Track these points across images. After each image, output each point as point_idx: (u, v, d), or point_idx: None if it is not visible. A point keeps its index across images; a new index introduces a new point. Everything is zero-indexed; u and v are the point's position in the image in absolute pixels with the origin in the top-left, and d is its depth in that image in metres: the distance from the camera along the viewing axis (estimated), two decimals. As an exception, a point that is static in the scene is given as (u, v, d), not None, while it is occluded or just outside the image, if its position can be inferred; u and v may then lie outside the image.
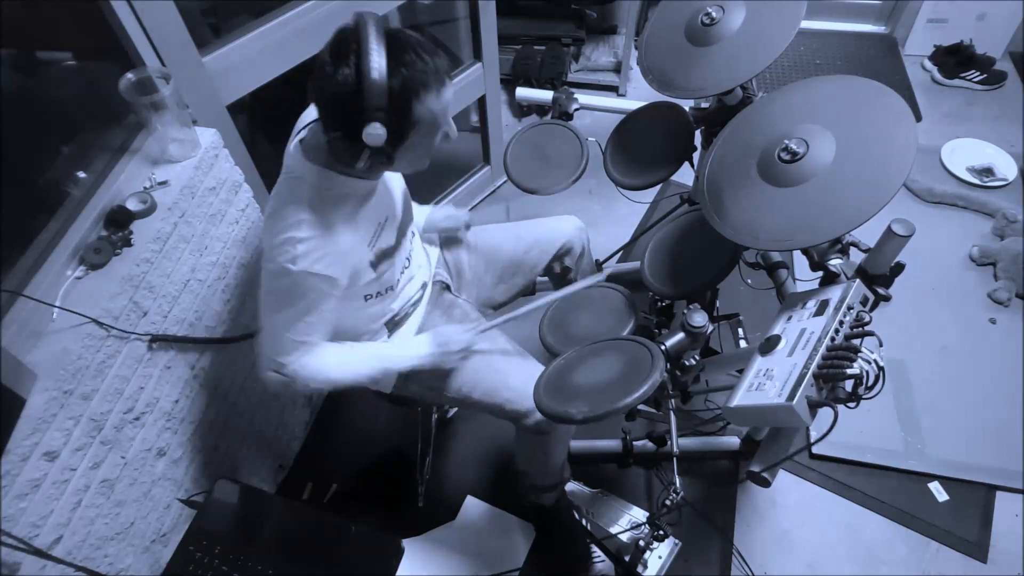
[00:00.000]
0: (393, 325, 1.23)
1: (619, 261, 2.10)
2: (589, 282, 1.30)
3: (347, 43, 0.83)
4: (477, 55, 2.00)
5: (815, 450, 1.66)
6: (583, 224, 1.49)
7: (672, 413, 1.48)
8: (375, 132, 0.84)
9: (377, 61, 0.81)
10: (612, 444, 1.62)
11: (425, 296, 1.30)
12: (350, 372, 1.10)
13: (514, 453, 1.44)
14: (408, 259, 1.20)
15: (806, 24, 2.55)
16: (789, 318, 1.01)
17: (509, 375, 1.23)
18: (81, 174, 1.13)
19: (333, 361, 1.06)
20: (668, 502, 1.30)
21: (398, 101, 0.85)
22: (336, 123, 0.88)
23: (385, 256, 1.10)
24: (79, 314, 0.98)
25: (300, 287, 0.96)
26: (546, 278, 1.55)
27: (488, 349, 1.26)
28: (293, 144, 1.01)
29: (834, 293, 0.98)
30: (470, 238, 1.44)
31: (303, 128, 1.03)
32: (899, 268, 0.99)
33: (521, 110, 2.72)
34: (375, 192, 1.06)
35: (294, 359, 1.01)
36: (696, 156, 1.48)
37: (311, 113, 1.06)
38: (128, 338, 1.06)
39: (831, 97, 1.05)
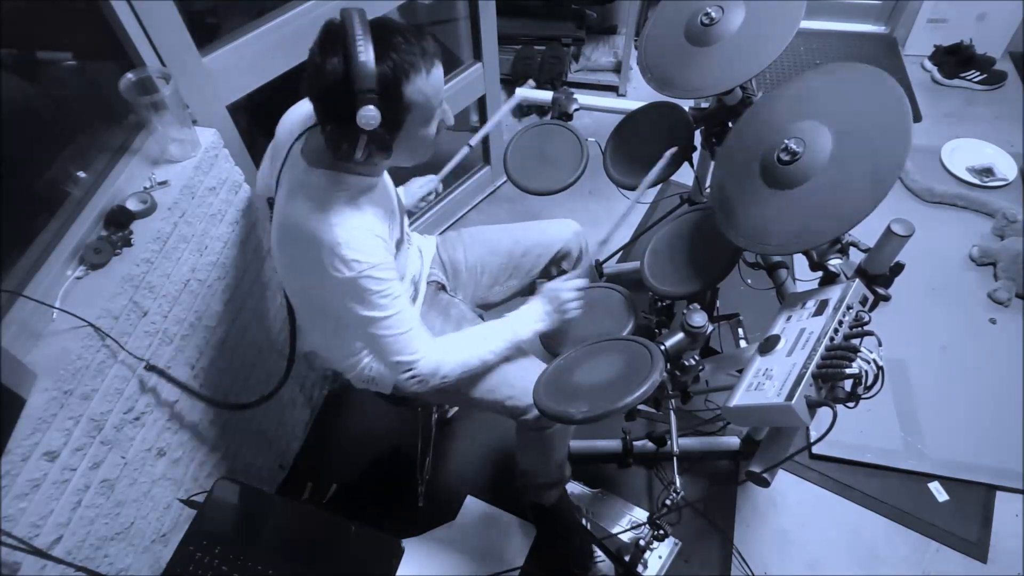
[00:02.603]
0: None
1: (619, 261, 2.10)
2: None
3: (334, 35, 0.84)
4: (477, 55, 2.00)
5: (815, 450, 1.66)
6: (581, 228, 1.49)
7: (672, 413, 1.48)
8: (368, 114, 0.85)
9: (363, 46, 0.82)
10: (612, 444, 1.62)
11: (420, 295, 1.30)
12: (482, 350, 1.12)
13: (514, 452, 1.44)
14: (407, 252, 1.22)
15: (806, 24, 2.56)
16: (788, 318, 1.02)
17: (509, 372, 1.23)
18: (81, 174, 1.13)
19: (460, 345, 1.09)
20: (668, 502, 1.30)
21: (388, 84, 0.86)
22: (331, 114, 0.89)
23: (399, 246, 1.12)
24: (79, 317, 0.98)
25: (372, 289, 0.96)
26: (544, 280, 1.55)
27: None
28: (290, 161, 1.02)
29: (833, 293, 0.98)
30: (467, 238, 1.44)
31: (296, 138, 1.03)
32: (899, 268, 0.99)
33: (521, 110, 2.72)
34: (380, 188, 1.07)
35: (420, 352, 1.03)
36: (696, 156, 1.48)
37: (293, 124, 1.07)
38: (120, 355, 1.06)
39: (822, 89, 1.05)
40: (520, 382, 1.19)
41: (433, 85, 0.91)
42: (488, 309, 1.48)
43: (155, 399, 1.17)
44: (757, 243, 1.01)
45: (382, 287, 0.97)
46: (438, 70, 0.92)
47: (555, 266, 1.47)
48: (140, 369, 1.11)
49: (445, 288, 1.39)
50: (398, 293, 1.00)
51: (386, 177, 1.15)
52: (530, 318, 1.16)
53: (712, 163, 1.17)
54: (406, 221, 1.26)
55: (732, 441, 1.65)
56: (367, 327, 1.01)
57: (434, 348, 1.06)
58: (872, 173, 0.91)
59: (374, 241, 0.97)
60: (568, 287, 1.18)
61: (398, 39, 0.86)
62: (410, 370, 1.04)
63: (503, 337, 1.15)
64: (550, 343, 1.33)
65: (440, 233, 1.48)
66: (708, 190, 1.52)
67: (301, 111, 1.10)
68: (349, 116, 0.85)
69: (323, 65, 0.84)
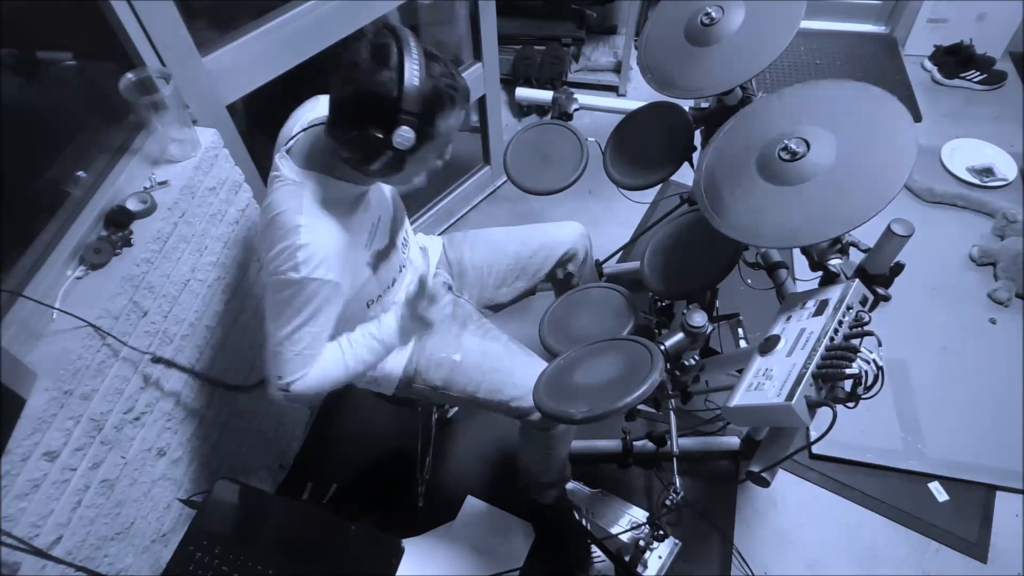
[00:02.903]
0: None
1: (619, 261, 2.10)
2: None
3: (388, 47, 0.85)
4: (477, 55, 2.00)
5: (815, 450, 1.66)
6: (586, 230, 1.50)
7: (672, 413, 1.48)
8: (406, 135, 0.87)
9: (419, 69, 0.85)
10: (612, 444, 1.62)
11: None
12: (352, 362, 1.07)
13: (516, 451, 1.45)
14: (404, 256, 1.21)
15: (806, 24, 2.56)
16: (788, 318, 1.02)
17: (513, 372, 1.23)
18: (81, 174, 1.13)
19: (330, 360, 1.05)
20: (668, 502, 1.30)
21: (428, 110, 0.88)
22: (361, 122, 0.89)
23: (381, 257, 1.11)
24: (78, 317, 0.98)
25: (304, 294, 0.95)
26: (548, 283, 1.55)
27: (492, 348, 1.27)
28: (281, 153, 1.01)
29: (833, 293, 0.98)
30: (473, 239, 1.44)
31: (291, 139, 1.03)
32: (899, 268, 0.99)
33: (521, 110, 2.72)
34: (369, 195, 1.07)
35: (299, 377, 1.00)
36: (696, 156, 1.48)
37: (299, 121, 1.06)
38: (123, 351, 1.06)
39: (833, 101, 1.06)
40: (524, 383, 1.19)
41: (458, 123, 0.95)
42: (496, 310, 1.48)
43: (155, 399, 1.17)
44: (748, 235, 1.00)
45: (306, 303, 0.95)
46: (463, 110, 0.95)
47: (561, 268, 1.47)
48: (142, 366, 1.11)
49: (451, 288, 1.39)
50: (315, 315, 0.98)
51: (381, 184, 1.14)
52: (390, 321, 1.10)
53: (705, 150, 1.17)
54: (406, 227, 1.24)
55: (732, 441, 1.65)
56: (270, 329, 0.99)
57: (313, 370, 1.02)
58: (871, 186, 0.91)
59: (334, 259, 0.96)
60: (430, 307, 1.10)
61: (444, 69, 0.89)
62: (286, 391, 1.01)
63: (370, 346, 1.08)
64: (550, 343, 1.33)
65: (444, 233, 1.48)
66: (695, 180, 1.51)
67: (303, 111, 1.10)
68: (384, 130, 0.87)
69: (374, 74, 0.85)
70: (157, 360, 1.12)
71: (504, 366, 1.24)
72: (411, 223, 2.12)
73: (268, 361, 1.01)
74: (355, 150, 0.92)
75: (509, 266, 1.43)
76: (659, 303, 1.53)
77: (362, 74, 0.86)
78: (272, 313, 0.99)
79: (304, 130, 1.03)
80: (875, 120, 0.98)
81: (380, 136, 0.87)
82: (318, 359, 1.03)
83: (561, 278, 1.49)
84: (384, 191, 1.16)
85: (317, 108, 1.09)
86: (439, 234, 1.48)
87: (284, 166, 0.99)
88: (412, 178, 1.03)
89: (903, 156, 0.92)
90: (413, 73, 0.84)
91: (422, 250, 1.36)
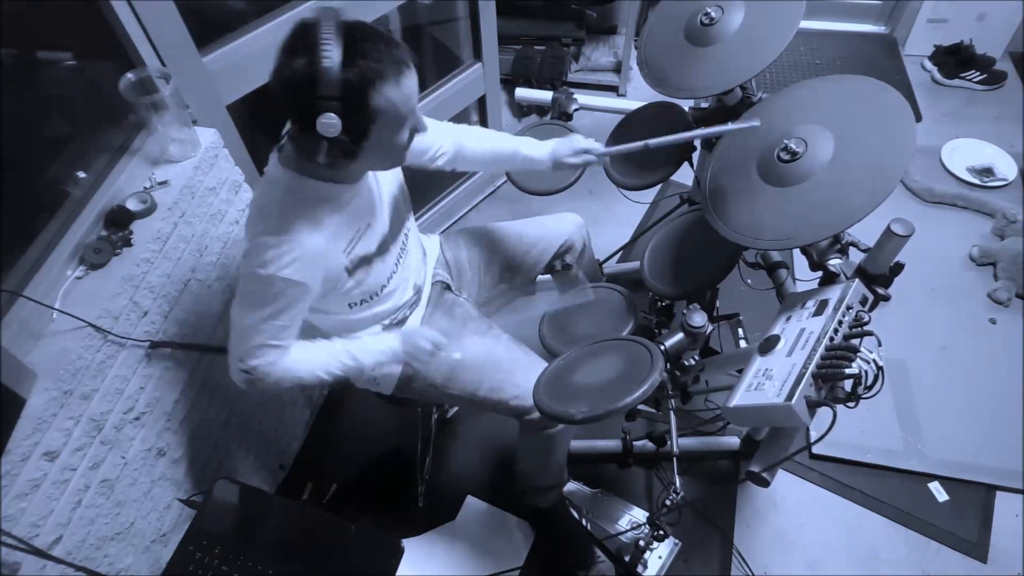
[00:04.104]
0: (390, 329, 1.23)
1: (619, 261, 2.10)
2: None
3: (302, 35, 0.82)
4: (477, 55, 2.00)
5: (815, 450, 1.66)
6: (583, 221, 1.49)
7: (672, 413, 1.48)
8: (329, 122, 0.83)
9: (330, 51, 0.80)
10: (612, 444, 1.62)
11: (424, 298, 1.30)
12: (319, 367, 1.07)
13: (514, 453, 1.44)
14: (397, 264, 1.17)
15: (806, 24, 2.56)
16: (788, 318, 1.02)
17: (514, 372, 1.23)
18: (81, 174, 1.14)
19: (301, 358, 1.05)
20: (668, 502, 1.30)
21: (353, 91, 0.83)
22: (294, 116, 0.88)
23: (363, 263, 1.07)
24: (77, 318, 0.98)
25: (270, 291, 0.95)
26: (548, 276, 1.54)
27: (492, 347, 1.26)
28: (274, 151, 1.01)
29: (833, 293, 0.98)
30: (470, 236, 1.44)
31: (281, 137, 1.03)
32: (899, 268, 0.99)
33: (521, 110, 2.72)
34: (353, 199, 1.03)
35: (263, 362, 1.00)
36: (696, 156, 1.48)
37: None
38: (125, 344, 1.06)
39: (830, 96, 1.06)
40: (525, 382, 1.19)
41: (403, 93, 0.88)
42: (494, 307, 1.47)
43: (155, 399, 1.17)
44: (749, 237, 1.01)
45: (272, 296, 0.95)
46: (409, 79, 0.88)
47: (559, 260, 1.47)
48: (142, 367, 1.11)
49: (450, 288, 1.39)
50: (294, 313, 0.98)
51: (378, 190, 1.10)
52: (377, 349, 1.11)
53: (710, 158, 1.17)
54: (402, 239, 1.19)
55: (732, 441, 1.65)
56: (234, 319, 0.99)
57: (280, 360, 1.02)
58: (870, 180, 0.91)
59: (304, 261, 0.95)
60: (428, 337, 1.12)
61: (368, 45, 0.83)
62: (249, 374, 1.00)
63: (342, 362, 1.08)
64: (550, 344, 1.33)
65: (442, 232, 1.48)
66: (695, 180, 1.51)
67: None
68: (310, 120, 0.83)
69: (288, 65, 0.82)
70: (156, 345, 1.12)
71: (505, 365, 1.24)
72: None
73: (232, 342, 1.01)
74: (300, 147, 0.92)
75: (507, 262, 1.43)
76: (659, 303, 1.54)
77: (280, 68, 0.83)
78: (240, 300, 0.99)
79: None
80: (870, 110, 0.98)
81: (309, 127, 0.84)
82: (286, 353, 1.02)
83: (560, 269, 1.49)
84: (380, 198, 1.11)
85: None
86: (440, 233, 1.47)
87: (270, 163, 1.00)
88: (387, 160, 1.00)
89: (902, 145, 0.92)
90: (324, 56, 0.80)
91: (421, 248, 1.35)
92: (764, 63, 1.18)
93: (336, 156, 0.89)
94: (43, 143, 1.11)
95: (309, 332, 1.13)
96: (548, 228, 1.45)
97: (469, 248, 1.43)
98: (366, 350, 1.11)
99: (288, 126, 1.02)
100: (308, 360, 1.06)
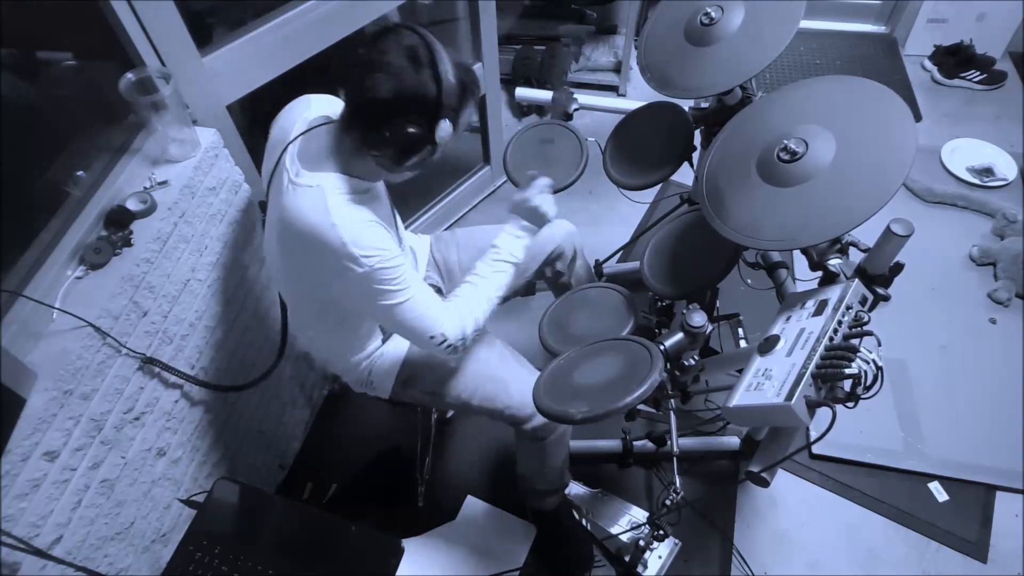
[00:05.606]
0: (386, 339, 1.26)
1: (619, 261, 2.10)
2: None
3: (419, 47, 0.90)
4: (477, 55, 2.00)
5: (815, 450, 1.66)
6: (575, 229, 1.49)
7: (672, 413, 1.48)
8: (447, 129, 0.94)
9: (451, 67, 0.92)
10: (612, 444, 1.62)
11: None
12: (493, 292, 1.12)
13: (515, 454, 1.44)
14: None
15: (806, 24, 2.56)
16: (788, 318, 1.02)
17: (508, 382, 1.23)
18: (81, 174, 1.13)
19: (473, 299, 1.10)
20: (668, 502, 1.30)
21: (459, 104, 0.95)
22: (406, 120, 0.92)
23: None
24: (78, 317, 0.98)
25: (393, 271, 0.98)
26: (543, 281, 1.54)
27: (486, 356, 1.26)
28: (291, 156, 1.01)
29: (833, 293, 0.98)
30: (460, 239, 1.44)
31: (290, 141, 1.03)
32: (898, 268, 0.99)
33: (521, 110, 2.72)
34: (376, 193, 1.08)
35: (445, 323, 1.04)
36: (696, 156, 1.48)
37: (295, 123, 1.06)
38: (122, 351, 1.06)
39: (830, 97, 1.06)
40: (518, 394, 1.20)
41: (470, 117, 1.01)
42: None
43: (155, 399, 1.17)
44: (748, 237, 1.01)
45: (395, 275, 0.98)
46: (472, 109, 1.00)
47: (549, 267, 1.46)
48: (140, 366, 1.11)
49: (441, 291, 1.39)
50: (410, 275, 1.01)
51: (380, 187, 1.14)
52: (516, 241, 1.17)
53: (707, 154, 1.17)
54: (400, 226, 1.26)
55: (732, 441, 1.65)
56: (391, 315, 1.02)
57: (454, 313, 1.07)
58: (872, 184, 0.91)
59: (376, 230, 0.98)
60: (532, 193, 1.19)
61: (463, 65, 0.96)
62: (443, 341, 1.05)
63: (504, 271, 1.15)
64: (550, 344, 1.33)
65: (435, 233, 1.48)
66: (695, 180, 1.51)
67: (295, 112, 1.09)
68: (427, 126, 0.92)
69: (413, 74, 0.89)
70: (148, 361, 1.12)
71: (499, 375, 1.24)
72: (411, 223, 2.13)
73: (409, 340, 1.11)
74: (390, 147, 0.94)
75: None
76: (659, 303, 1.53)
77: (401, 74, 0.89)
78: (373, 309, 1.02)
79: (304, 132, 1.03)
80: (872, 114, 0.98)
81: (422, 132, 0.92)
82: (462, 302, 1.08)
83: (550, 276, 1.49)
84: (383, 194, 1.15)
85: (312, 108, 1.08)
86: (432, 235, 1.47)
87: (293, 169, 1.00)
88: (417, 169, 1.04)
89: (903, 149, 0.91)
90: (447, 70, 0.90)
91: (411, 251, 1.36)
92: (764, 63, 1.18)
93: (424, 158, 0.97)
94: (43, 143, 1.10)
95: (334, 323, 1.17)
96: (539, 235, 1.44)
97: (459, 250, 1.42)
98: (510, 249, 1.16)
99: (295, 132, 1.03)
100: (479, 295, 1.11)
